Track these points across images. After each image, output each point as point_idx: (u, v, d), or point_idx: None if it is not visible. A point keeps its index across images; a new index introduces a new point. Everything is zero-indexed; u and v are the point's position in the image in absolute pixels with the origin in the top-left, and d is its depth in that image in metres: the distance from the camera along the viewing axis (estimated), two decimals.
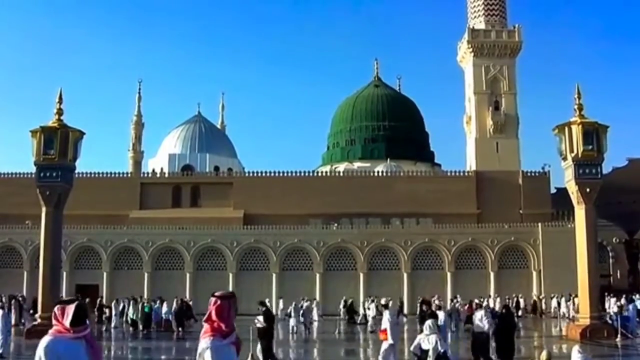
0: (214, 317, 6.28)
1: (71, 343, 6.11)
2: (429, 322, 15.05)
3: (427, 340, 14.53)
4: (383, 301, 19.56)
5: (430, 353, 14.32)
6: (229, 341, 6.28)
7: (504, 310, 21.72)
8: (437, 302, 34.49)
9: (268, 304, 25.30)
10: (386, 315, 19.16)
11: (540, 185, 69.09)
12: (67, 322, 6.15)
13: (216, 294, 6.45)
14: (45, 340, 6.12)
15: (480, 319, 20.21)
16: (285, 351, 27.92)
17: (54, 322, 6.24)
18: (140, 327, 38.40)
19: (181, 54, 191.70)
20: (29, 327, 31.10)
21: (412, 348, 15.56)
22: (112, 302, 43.99)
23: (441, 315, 22.67)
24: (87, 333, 6.25)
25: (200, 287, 58.20)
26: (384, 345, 18.50)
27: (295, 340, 34.40)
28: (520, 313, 47.32)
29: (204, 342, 6.24)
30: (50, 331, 6.23)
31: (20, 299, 45.91)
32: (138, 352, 30.17)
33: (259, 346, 20.07)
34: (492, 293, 56.51)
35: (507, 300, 47.01)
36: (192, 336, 36.59)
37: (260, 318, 19.72)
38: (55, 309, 6.25)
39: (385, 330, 18.65)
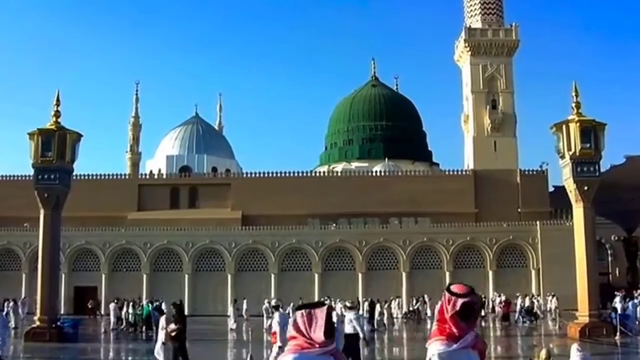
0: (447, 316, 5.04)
1: None
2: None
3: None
4: (273, 302, 18.66)
5: None
6: (461, 345, 4.98)
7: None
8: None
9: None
10: (276, 317, 18.46)
11: (538, 183, 69.16)
12: (318, 333, 4.74)
13: (455, 289, 5.12)
14: None
15: (350, 322, 18.84)
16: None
17: (292, 332, 4.85)
18: (144, 328, 38.26)
19: (178, 55, 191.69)
20: (27, 330, 31.02)
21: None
22: (109, 303, 43.71)
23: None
24: (334, 347, 4.87)
25: (198, 288, 58.25)
26: (274, 349, 17.89)
27: None
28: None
29: (432, 347, 5.07)
30: (290, 346, 4.84)
31: (22, 299, 46.12)
32: (140, 354, 30.07)
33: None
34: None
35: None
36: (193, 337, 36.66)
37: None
38: (298, 315, 4.84)
39: (275, 332, 18.05)
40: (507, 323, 44.20)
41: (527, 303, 47.61)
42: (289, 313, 23.08)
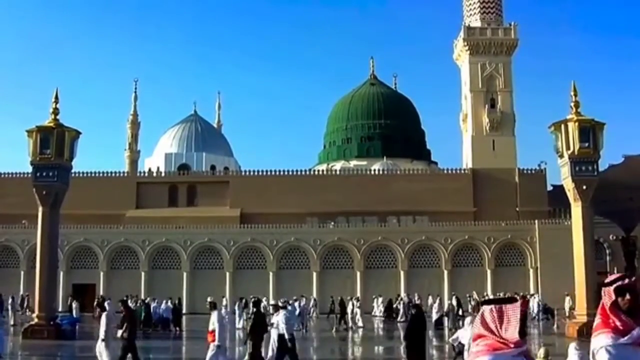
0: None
1: None
2: (469, 318, 16.57)
3: (466, 334, 15.57)
4: (209, 299, 18.25)
5: (466, 347, 15.22)
6: (628, 340, 4.48)
7: (414, 311, 19.03)
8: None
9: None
10: (214, 315, 17.98)
11: (536, 182, 69.17)
12: (512, 332, 4.26)
13: (608, 279, 4.65)
14: None
15: (281, 321, 18.74)
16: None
17: (481, 330, 4.35)
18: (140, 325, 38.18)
19: (177, 53, 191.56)
20: (25, 327, 31.02)
21: (451, 340, 17.14)
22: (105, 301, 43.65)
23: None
24: (526, 347, 4.40)
25: (197, 286, 58.26)
26: (211, 348, 17.54)
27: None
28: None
29: (597, 340, 4.65)
30: (479, 346, 4.33)
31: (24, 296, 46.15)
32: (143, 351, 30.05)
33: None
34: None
35: (420, 300, 48.22)
36: (192, 335, 36.72)
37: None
38: (487, 312, 4.35)
39: (213, 331, 17.61)
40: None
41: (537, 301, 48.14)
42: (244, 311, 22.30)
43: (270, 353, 19.11)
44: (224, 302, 47.85)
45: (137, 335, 21.00)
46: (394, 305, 50.04)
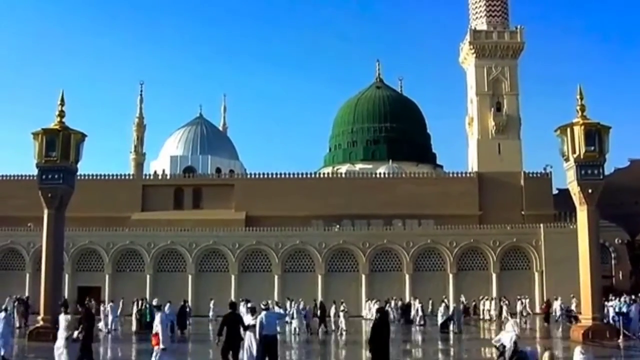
0: None
1: None
2: (511, 321, 17.61)
3: (507, 337, 16.91)
4: (155, 302, 17.75)
5: (508, 347, 16.66)
6: None
7: (378, 315, 18.43)
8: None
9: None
10: (158, 318, 17.74)
11: (542, 186, 69.03)
12: None
13: None
14: None
15: (266, 322, 18.36)
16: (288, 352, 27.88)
17: None
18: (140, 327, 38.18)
19: (183, 56, 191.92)
20: (31, 329, 31.06)
21: (494, 341, 17.95)
22: (108, 303, 43.28)
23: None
24: None
25: (202, 289, 58.29)
26: (155, 351, 17.18)
27: (297, 341, 34.37)
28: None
29: None
30: None
31: (25, 299, 46.06)
32: (142, 353, 30.10)
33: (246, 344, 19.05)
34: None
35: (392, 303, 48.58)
36: (196, 338, 36.72)
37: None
38: None
39: (157, 334, 17.30)
40: (547, 324, 44.98)
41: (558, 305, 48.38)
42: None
43: (246, 357, 18.64)
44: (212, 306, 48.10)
45: (94, 338, 20.77)
46: (386, 309, 49.87)
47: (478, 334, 40.66)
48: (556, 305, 48.46)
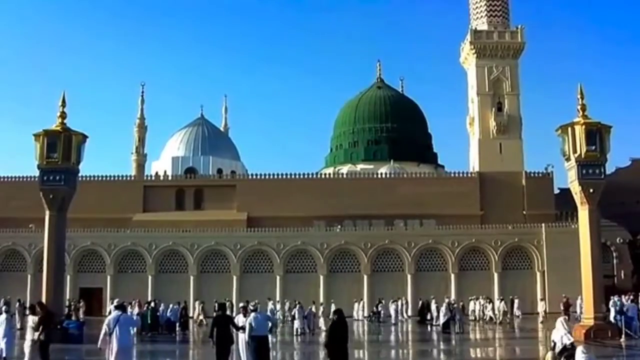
0: None
1: None
2: (560, 319, 18.71)
3: (557, 334, 18.30)
4: (116, 302, 17.64)
5: (558, 344, 18.06)
6: None
7: (335, 317, 18.06)
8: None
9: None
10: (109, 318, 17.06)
11: (543, 186, 69.01)
12: None
13: None
14: None
15: (255, 323, 18.26)
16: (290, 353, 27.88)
17: None
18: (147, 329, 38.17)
19: (184, 57, 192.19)
20: None
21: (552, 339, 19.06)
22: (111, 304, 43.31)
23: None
24: None
25: (203, 289, 58.26)
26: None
27: (299, 342, 34.37)
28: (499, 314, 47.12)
29: None
30: None
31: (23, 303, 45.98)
32: (146, 355, 30.09)
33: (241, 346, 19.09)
34: (496, 294, 56.14)
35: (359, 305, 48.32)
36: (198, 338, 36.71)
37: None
38: None
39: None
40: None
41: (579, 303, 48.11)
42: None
43: (243, 357, 18.84)
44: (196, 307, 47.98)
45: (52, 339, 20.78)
46: (375, 309, 51.78)
47: (482, 334, 40.50)
48: (577, 304, 47.34)
